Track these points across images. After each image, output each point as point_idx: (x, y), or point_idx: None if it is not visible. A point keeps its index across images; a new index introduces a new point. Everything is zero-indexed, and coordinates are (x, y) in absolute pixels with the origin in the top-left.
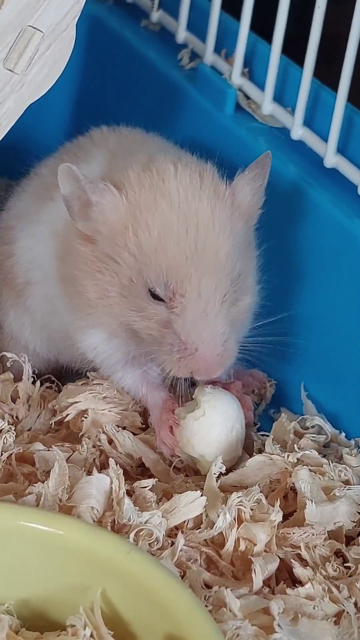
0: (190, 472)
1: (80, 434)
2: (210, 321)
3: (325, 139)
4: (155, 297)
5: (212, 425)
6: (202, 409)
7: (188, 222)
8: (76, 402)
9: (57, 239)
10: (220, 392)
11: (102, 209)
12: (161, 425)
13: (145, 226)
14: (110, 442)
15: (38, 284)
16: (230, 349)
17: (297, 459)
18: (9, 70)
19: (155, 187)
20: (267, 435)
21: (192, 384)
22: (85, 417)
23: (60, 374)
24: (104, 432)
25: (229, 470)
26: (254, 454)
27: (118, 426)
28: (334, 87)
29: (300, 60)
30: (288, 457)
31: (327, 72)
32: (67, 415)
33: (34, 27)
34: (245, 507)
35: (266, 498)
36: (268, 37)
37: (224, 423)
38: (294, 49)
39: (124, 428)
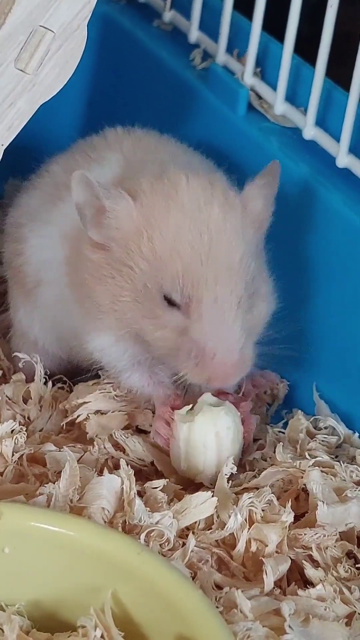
0: None
1: (89, 436)
2: (227, 327)
3: (337, 138)
4: (170, 303)
5: (201, 446)
6: (189, 429)
7: (201, 227)
8: (86, 402)
9: (66, 242)
10: (220, 412)
11: (115, 215)
12: (157, 417)
13: (159, 231)
14: (118, 448)
15: (48, 285)
16: (247, 356)
17: (309, 466)
18: (21, 70)
19: (167, 195)
20: (283, 433)
21: None
22: (87, 420)
23: (73, 374)
24: (112, 438)
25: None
26: (267, 453)
27: (129, 426)
28: (346, 86)
29: (312, 60)
30: (300, 465)
31: (340, 71)
32: (77, 416)
33: (45, 27)
34: (256, 508)
35: (278, 499)
36: (280, 36)
37: (213, 446)
38: (306, 48)
39: (136, 427)
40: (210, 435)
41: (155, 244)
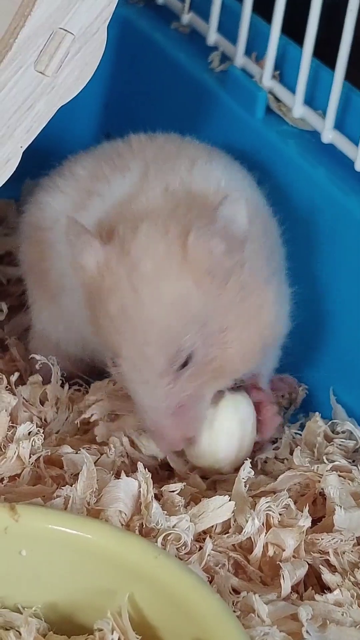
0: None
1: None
2: (151, 394)
3: (356, 142)
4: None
5: (223, 437)
6: (211, 423)
7: (135, 283)
8: (99, 400)
9: None
10: (242, 400)
11: (82, 257)
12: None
13: (105, 282)
14: (133, 447)
15: (73, 291)
16: (191, 416)
17: (326, 471)
18: (40, 72)
19: (123, 243)
20: (299, 434)
21: None
22: (97, 425)
23: (93, 375)
24: (126, 436)
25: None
26: (281, 453)
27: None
28: None
29: (331, 63)
30: (317, 470)
31: (359, 74)
32: (92, 415)
33: (65, 30)
34: (273, 512)
35: (295, 503)
36: (299, 39)
37: (235, 434)
38: (325, 51)
39: None
40: (234, 422)
41: (102, 295)
